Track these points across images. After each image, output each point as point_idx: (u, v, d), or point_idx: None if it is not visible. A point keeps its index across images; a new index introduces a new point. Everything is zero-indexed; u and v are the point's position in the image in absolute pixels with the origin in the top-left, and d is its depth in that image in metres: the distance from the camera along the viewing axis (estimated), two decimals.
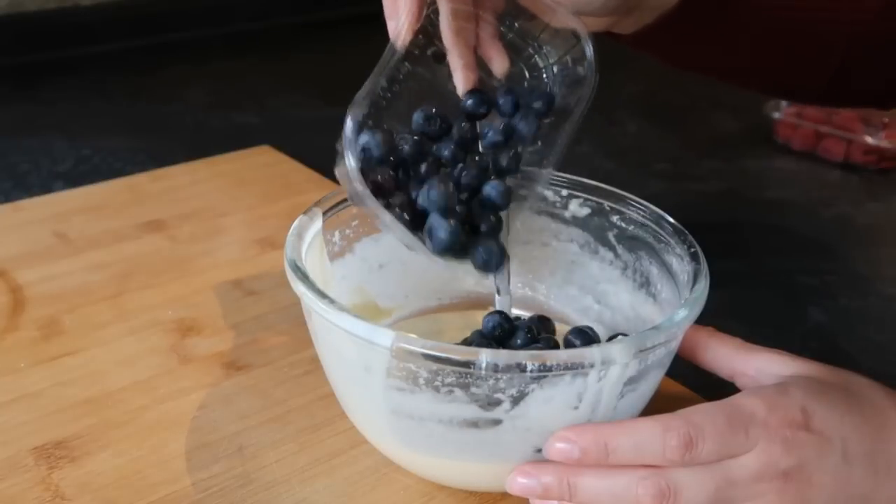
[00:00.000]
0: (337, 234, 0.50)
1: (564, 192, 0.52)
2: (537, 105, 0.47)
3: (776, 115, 1.04)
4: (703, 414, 0.38)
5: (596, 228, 0.52)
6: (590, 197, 0.52)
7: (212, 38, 1.38)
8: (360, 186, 0.41)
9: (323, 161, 0.85)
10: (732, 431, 0.37)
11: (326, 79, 1.24)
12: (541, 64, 0.48)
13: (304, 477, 0.46)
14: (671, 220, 0.48)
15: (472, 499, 0.45)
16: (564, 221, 0.53)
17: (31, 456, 0.47)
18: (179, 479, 0.46)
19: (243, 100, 1.15)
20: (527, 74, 0.49)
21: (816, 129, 1.01)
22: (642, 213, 0.50)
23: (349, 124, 0.42)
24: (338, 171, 0.42)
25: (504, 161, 0.46)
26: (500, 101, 0.47)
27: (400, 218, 0.43)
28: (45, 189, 0.85)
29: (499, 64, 0.48)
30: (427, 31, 0.47)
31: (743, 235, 0.86)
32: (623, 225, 0.51)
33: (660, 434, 0.37)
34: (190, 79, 1.22)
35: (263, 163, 0.85)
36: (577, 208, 0.52)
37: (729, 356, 0.44)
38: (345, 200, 0.50)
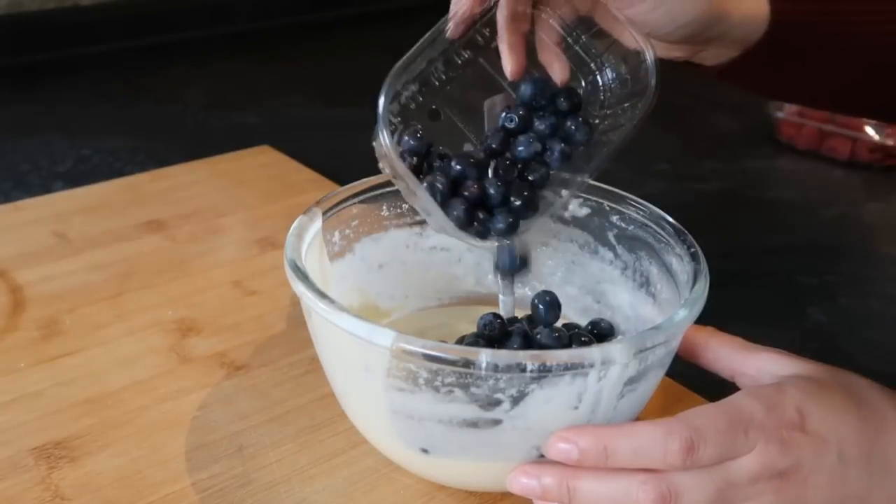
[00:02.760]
0: (337, 234, 0.50)
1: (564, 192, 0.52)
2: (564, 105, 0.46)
3: (779, 114, 1.04)
4: (704, 417, 0.38)
5: (596, 228, 0.52)
6: (590, 197, 0.52)
7: (212, 38, 1.38)
8: (396, 160, 0.42)
9: (323, 161, 0.85)
10: (733, 434, 0.37)
11: (326, 79, 1.24)
12: (600, 81, 0.49)
13: (304, 477, 0.46)
14: (671, 220, 0.48)
15: (472, 499, 0.45)
16: (564, 221, 0.53)
17: (31, 456, 0.47)
18: (179, 479, 0.46)
19: (243, 100, 1.15)
20: (583, 84, 0.49)
21: (820, 128, 1.01)
22: (642, 213, 0.50)
23: (382, 99, 0.42)
24: (375, 145, 0.43)
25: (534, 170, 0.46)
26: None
27: (434, 192, 0.44)
28: (45, 189, 0.85)
29: (559, 70, 0.47)
30: (491, 24, 0.47)
31: (743, 235, 0.86)
32: (623, 225, 0.51)
33: (661, 438, 0.37)
34: (190, 79, 1.22)
35: (263, 163, 0.85)
36: (576, 208, 0.52)
37: (730, 356, 0.44)
38: (345, 200, 0.50)
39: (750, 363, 0.43)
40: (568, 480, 0.38)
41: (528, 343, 0.46)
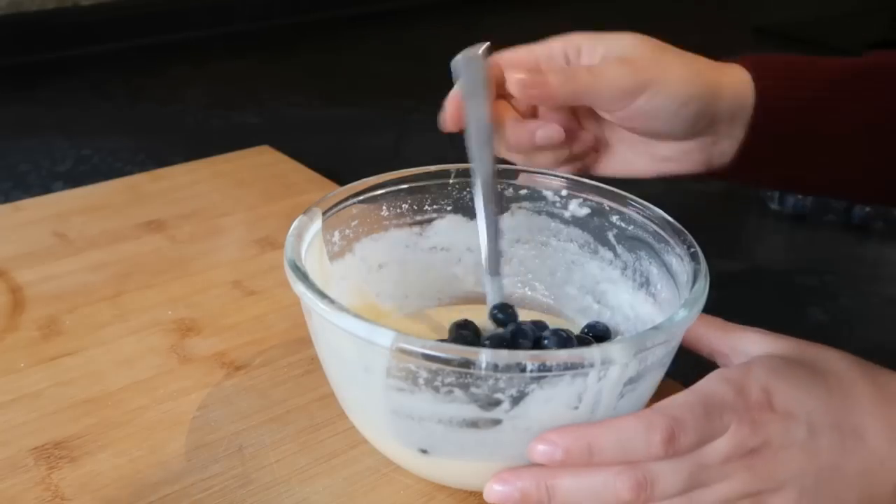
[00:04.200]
0: (337, 234, 0.50)
1: (564, 192, 0.52)
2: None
3: None
4: (682, 407, 0.38)
5: (596, 228, 0.52)
6: (589, 197, 0.52)
7: (212, 38, 1.38)
8: None
9: (323, 161, 0.85)
10: (710, 420, 0.38)
11: (326, 79, 1.24)
12: None
13: (304, 477, 0.46)
14: (671, 220, 0.48)
15: (472, 499, 0.45)
16: (564, 221, 0.53)
17: (31, 456, 0.47)
18: (179, 479, 0.46)
19: (243, 100, 1.15)
20: None
21: None
22: (642, 213, 0.50)
23: None
24: None
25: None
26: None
27: None
28: (45, 189, 0.85)
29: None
30: None
31: (743, 235, 0.86)
32: (623, 225, 0.51)
33: (643, 432, 0.37)
34: (190, 79, 1.22)
35: (263, 163, 0.85)
36: (576, 208, 0.52)
37: (707, 336, 0.45)
38: (345, 200, 0.50)
39: (724, 342, 0.45)
40: (545, 480, 0.38)
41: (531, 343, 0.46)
